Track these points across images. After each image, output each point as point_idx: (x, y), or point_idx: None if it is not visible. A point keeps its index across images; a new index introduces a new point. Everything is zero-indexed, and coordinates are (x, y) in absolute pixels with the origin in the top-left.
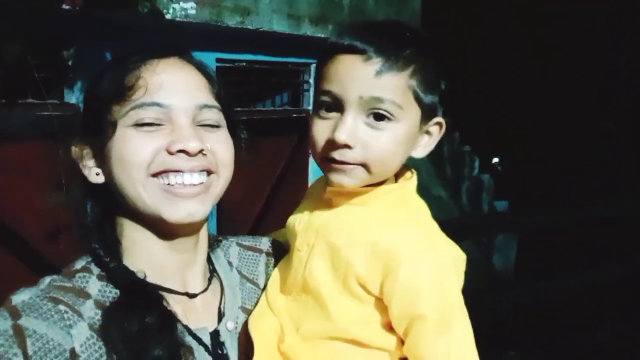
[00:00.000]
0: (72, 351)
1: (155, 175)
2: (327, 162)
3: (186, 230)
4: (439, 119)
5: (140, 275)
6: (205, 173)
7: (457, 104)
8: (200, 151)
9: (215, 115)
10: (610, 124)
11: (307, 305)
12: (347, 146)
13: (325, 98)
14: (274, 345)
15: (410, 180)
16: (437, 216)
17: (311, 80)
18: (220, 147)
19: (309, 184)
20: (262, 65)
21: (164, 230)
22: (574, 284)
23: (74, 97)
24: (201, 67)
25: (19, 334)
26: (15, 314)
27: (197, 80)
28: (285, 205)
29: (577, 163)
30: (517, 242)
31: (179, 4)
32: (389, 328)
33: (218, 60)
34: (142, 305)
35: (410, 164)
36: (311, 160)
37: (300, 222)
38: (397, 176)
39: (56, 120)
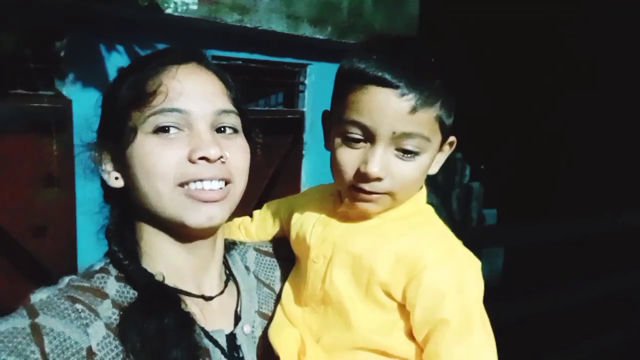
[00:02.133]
0: (89, 349)
1: (179, 185)
2: (355, 191)
3: (204, 234)
4: (452, 138)
5: (159, 278)
6: (223, 182)
7: None
8: (220, 158)
9: (233, 120)
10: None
11: (327, 316)
12: (378, 179)
13: (354, 130)
14: (296, 356)
15: (422, 190)
16: None
17: (307, 82)
18: (238, 156)
19: (302, 184)
20: (258, 64)
21: (183, 234)
22: (562, 298)
23: (65, 88)
24: (219, 72)
25: (37, 332)
26: (33, 312)
27: (215, 86)
28: None
29: (569, 172)
30: (503, 252)
31: None
32: (411, 336)
33: (214, 57)
34: (160, 307)
35: None
36: (305, 161)
37: (313, 234)
38: None
39: (46, 112)
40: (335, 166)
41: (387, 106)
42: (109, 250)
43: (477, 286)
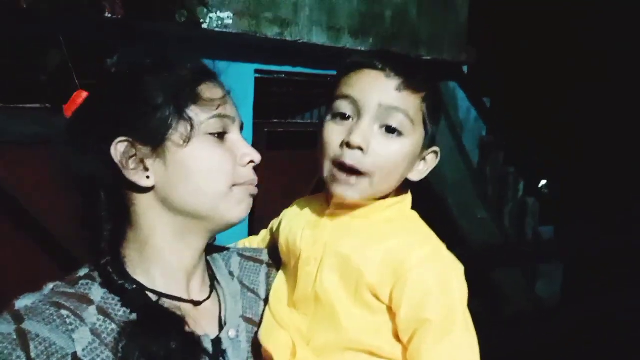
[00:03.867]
0: (75, 355)
1: (233, 185)
2: (334, 170)
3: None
4: (436, 148)
5: (154, 298)
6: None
7: (501, 122)
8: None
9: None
10: None
11: (317, 318)
12: (360, 149)
13: (343, 103)
14: (288, 358)
15: (407, 195)
16: (478, 239)
17: None
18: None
19: None
20: (301, 77)
21: (206, 232)
22: (624, 314)
23: None
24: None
25: (22, 338)
26: (18, 318)
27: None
28: None
29: (628, 189)
30: (562, 269)
31: (215, 13)
32: (398, 337)
33: (257, 71)
34: (166, 329)
35: (450, 183)
36: None
37: (304, 237)
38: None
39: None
40: (320, 143)
41: (375, 81)
42: (98, 264)
43: (460, 287)
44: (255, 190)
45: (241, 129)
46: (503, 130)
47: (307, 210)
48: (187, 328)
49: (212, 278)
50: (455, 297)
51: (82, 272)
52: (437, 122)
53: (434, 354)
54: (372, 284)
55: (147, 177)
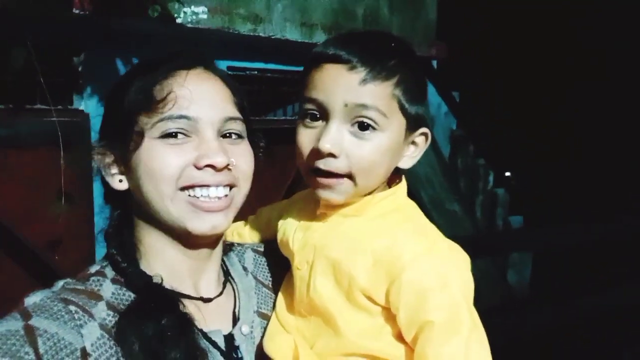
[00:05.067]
0: (83, 350)
1: (182, 189)
2: (313, 175)
3: (207, 240)
4: (425, 129)
5: (157, 280)
6: (228, 187)
7: (471, 115)
8: (226, 166)
9: (239, 127)
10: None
11: (316, 323)
12: (332, 155)
13: (309, 106)
14: None
15: (400, 184)
16: (450, 231)
17: None
18: (243, 161)
19: None
20: (274, 74)
21: (185, 239)
22: (591, 304)
23: (83, 103)
24: (225, 78)
25: (30, 334)
26: (26, 315)
27: (222, 92)
28: None
29: (596, 177)
30: (532, 258)
31: (190, 8)
32: (400, 338)
33: (229, 68)
34: (158, 309)
35: (422, 177)
36: None
37: (295, 239)
38: (389, 184)
39: (64, 126)
40: (296, 149)
41: (338, 79)
42: (107, 253)
43: (462, 281)
44: (218, 204)
45: (230, 123)
46: (473, 123)
47: (300, 210)
48: (181, 308)
49: (226, 274)
50: (456, 294)
51: (94, 268)
52: (421, 101)
53: (442, 356)
54: (365, 288)
55: (120, 181)
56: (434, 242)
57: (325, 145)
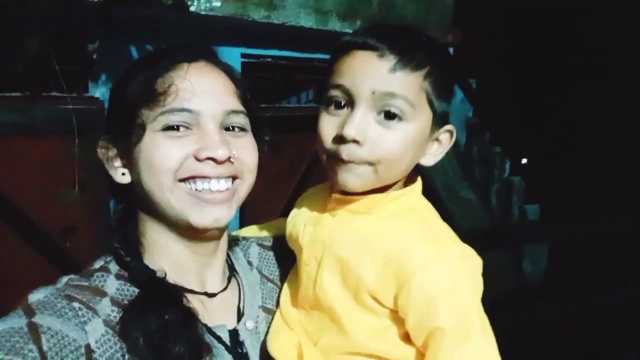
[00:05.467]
0: (88, 347)
1: (182, 180)
2: (333, 161)
3: (210, 233)
4: (450, 127)
5: (161, 274)
6: (231, 179)
7: (487, 103)
8: (228, 159)
9: (242, 120)
10: None
11: (321, 320)
12: (356, 142)
13: (335, 92)
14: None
15: (415, 184)
16: (465, 219)
17: None
18: (246, 153)
19: None
20: (287, 61)
21: (188, 233)
22: (600, 302)
23: (98, 90)
24: (228, 71)
25: (34, 331)
26: (30, 312)
27: (225, 85)
28: None
29: (615, 166)
30: (547, 248)
31: None
32: (407, 340)
33: (243, 55)
34: (162, 303)
35: (437, 166)
36: None
37: (305, 234)
38: (406, 184)
39: (79, 114)
40: (317, 136)
41: (367, 65)
42: (111, 247)
43: (472, 286)
44: (220, 196)
45: (236, 115)
46: (489, 110)
47: (312, 203)
48: (185, 302)
49: (231, 269)
50: (467, 300)
51: (98, 264)
52: (448, 98)
53: None
54: (373, 290)
55: (123, 174)
56: (446, 247)
57: (351, 132)
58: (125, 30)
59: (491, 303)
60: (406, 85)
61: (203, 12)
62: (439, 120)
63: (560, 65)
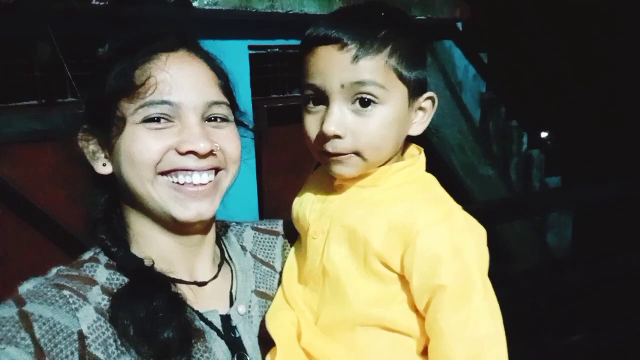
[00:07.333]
0: (80, 333)
1: (163, 173)
2: (323, 155)
3: (195, 227)
4: (430, 93)
5: (148, 263)
6: (213, 171)
7: (501, 78)
8: (210, 152)
9: (224, 111)
10: None
11: (325, 293)
12: (337, 136)
13: (309, 92)
14: (294, 339)
15: (419, 157)
16: (485, 196)
17: None
18: (229, 144)
19: None
20: (295, 50)
21: (173, 226)
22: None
23: None
24: (209, 60)
25: (25, 320)
26: (20, 301)
27: (205, 75)
28: None
29: (632, 135)
30: (572, 219)
31: None
32: (412, 308)
33: (250, 47)
34: (150, 289)
35: (453, 144)
36: None
37: (312, 210)
38: (403, 153)
39: None
40: (304, 134)
41: (331, 60)
42: (97, 238)
43: (477, 251)
44: (202, 189)
45: (234, 107)
46: (503, 84)
47: (318, 183)
48: (172, 289)
49: (223, 255)
50: (470, 263)
51: (87, 255)
52: (420, 66)
53: (452, 323)
54: (381, 253)
55: (104, 165)
56: (450, 211)
57: (330, 128)
58: (133, 29)
59: (515, 275)
60: (372, 70)
61: (207, 7)
62: (416, 90)
63: (572, 32)
